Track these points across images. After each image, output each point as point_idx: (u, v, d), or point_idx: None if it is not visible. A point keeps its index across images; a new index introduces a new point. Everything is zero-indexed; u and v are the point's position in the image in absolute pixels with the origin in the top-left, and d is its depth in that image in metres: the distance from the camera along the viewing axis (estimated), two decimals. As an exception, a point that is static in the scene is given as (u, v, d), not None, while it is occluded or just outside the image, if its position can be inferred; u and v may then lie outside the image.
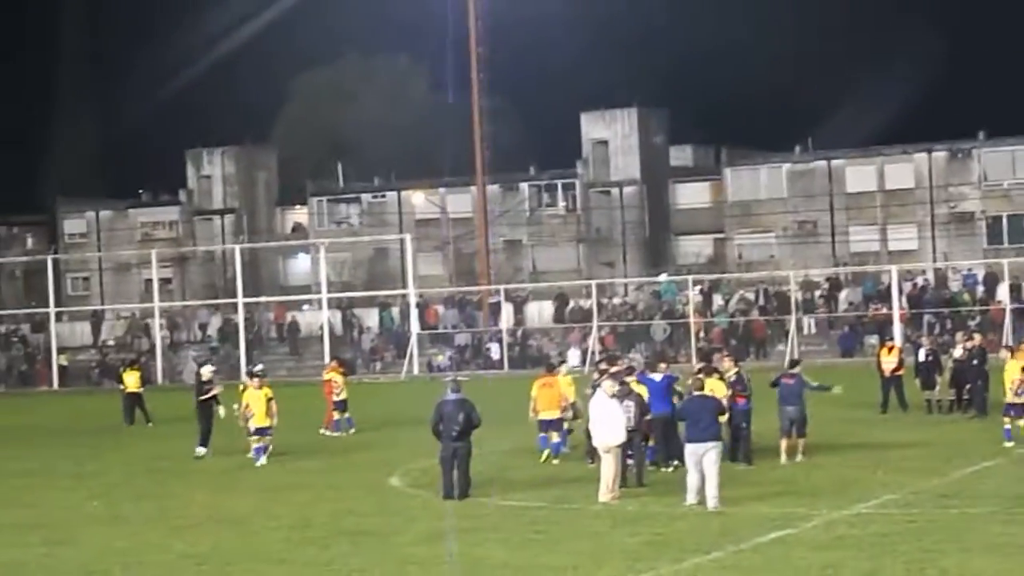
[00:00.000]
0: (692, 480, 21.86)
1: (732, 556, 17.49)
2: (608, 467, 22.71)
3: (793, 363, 28.39)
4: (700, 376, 24.62)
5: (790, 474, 24.91)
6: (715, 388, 25.10)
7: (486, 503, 22.90)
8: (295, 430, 33.77)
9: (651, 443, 25.72)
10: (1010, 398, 28.44)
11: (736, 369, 27.23)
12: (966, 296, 61.52)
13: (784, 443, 26.81)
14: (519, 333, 66.28)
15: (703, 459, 21.67)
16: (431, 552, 18.73)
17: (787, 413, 26.87)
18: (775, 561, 17.05)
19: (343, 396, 36.44)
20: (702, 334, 61.29)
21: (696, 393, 22.92)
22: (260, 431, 29.88)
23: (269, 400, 30.09)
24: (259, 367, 34.00)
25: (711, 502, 21.51)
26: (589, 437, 23.98)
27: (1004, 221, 73.76)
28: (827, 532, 18.94)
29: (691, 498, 21.82)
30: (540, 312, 68.46)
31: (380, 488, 25.66)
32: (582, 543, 18.93)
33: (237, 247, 70.99)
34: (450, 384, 24.21)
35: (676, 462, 25.70)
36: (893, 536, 18.39)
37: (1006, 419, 28.13)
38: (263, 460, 29.60)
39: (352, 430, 35.86)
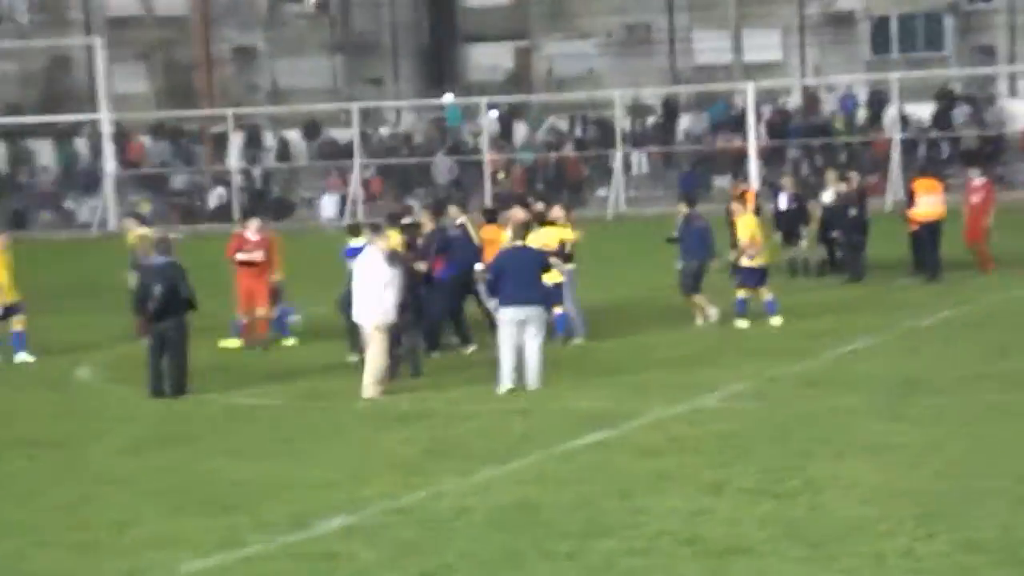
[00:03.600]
0: (506, 358, 22.28)
1: (536, 465, 17.80)
2: (375, 352, 22.86)
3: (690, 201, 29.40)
4: (522, 225, 24.66)
5: (616, 359, 25.38)
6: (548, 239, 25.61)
7: (211, 401, 23.00)
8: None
9: None
10: (744, 261, 28.91)
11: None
12: (842, 123, 62.89)
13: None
14: (256, 174, 65.96)
15: (526, 329, 22.22)
16: (140, 465, 18.73)
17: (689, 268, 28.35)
18: (592, 470, 17.37)
19: None
20: (500, 175, 61.74)
21: (517, 243, 23.25)
22: (11, 310, 27.65)
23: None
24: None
25: (532, 382, 22.24)
26: (345, 315, 24.06)
27: (893, 23, 75.09)
28: (660, 432, 19.34)
29: (506, 382, 22.27)
30: (284, 145, 68.08)
31: (65, 383, 25.57)
32: (341, 452, 19.13)
33: None
34: (155, 244, 24.05)
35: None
36: (744, 437, 18.84)
37: (740, 291, 28.87)
38: (25, 356, 27.63)
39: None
